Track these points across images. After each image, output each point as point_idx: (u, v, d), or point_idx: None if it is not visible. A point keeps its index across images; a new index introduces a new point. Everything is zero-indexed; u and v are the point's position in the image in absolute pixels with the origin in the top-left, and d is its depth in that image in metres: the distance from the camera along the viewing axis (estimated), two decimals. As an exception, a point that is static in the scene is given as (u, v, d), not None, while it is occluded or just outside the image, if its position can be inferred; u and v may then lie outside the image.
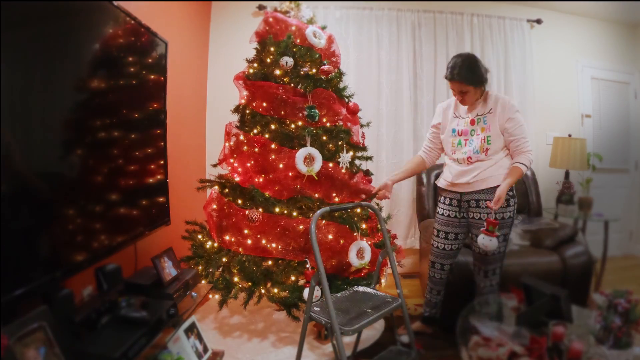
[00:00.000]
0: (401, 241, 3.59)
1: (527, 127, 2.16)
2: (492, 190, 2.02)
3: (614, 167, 4.02)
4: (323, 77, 2.44)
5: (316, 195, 2.31)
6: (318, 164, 2.23)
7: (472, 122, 2.11)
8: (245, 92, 2.29)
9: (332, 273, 2.30)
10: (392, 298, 1.82)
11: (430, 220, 3.03)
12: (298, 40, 2.44)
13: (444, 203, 2.24)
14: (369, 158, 2.65)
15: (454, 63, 2.03)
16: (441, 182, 2.27)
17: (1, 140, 1.14)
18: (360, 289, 1.94)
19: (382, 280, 2.50)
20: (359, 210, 2.45)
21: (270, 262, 2.27)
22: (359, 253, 2.22)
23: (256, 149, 2.33)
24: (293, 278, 2.22)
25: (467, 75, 1.99)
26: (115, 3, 1.69)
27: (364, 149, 2.61)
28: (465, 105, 2.13)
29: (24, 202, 1.28)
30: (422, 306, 2.86)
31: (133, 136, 1.91)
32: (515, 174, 1.99)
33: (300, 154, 2.20)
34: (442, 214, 2.24)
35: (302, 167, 2.20)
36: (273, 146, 2.31)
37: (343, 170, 2.38)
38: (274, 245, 2.25)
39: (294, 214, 2.26)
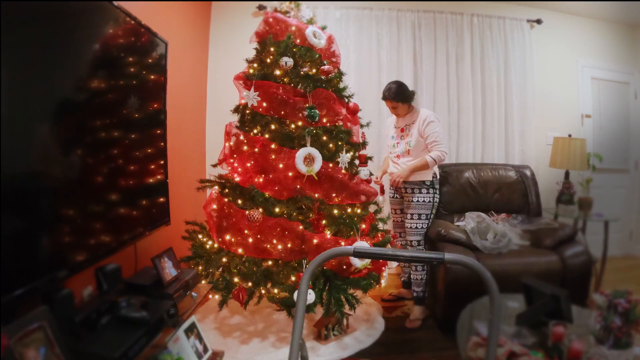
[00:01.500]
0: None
1: (444, 134, 2.82)
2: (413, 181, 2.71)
3: (614, 167, 4.02)
4: (323, 77, 2.44)
5: (316, 195, 2.31)
6: (318, 164, 2.23)
7: (402, 130, 2.79)
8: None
9: (332, 273, 2.30)
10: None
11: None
12: (298, 41, 2.44)
13: (390, 188, 2.94)
14: (369, 158, 2.66)
15: (388, 87, 2.70)
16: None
17: (1, 140, 1.14)
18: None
19: (382, 281, 2.50)
20: (358, 210, 2.45)
21: (270, 263, 2.27)
22: None
23: (256, 149, 2.33)
24: (293, 278, 2.21)
25: (396, 96, 2.66)
26: (115, 3, 1.69)
27: (364, 144, 2.61)
28: (398, 116, 2.82)
29: (24, 202, 1.28)
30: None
31: (133, 136, 1.91)
32: (420, 162, 2.62)
33: (301, 154, 2.20)
34: (390, 196, 2.98)
35: (302, 167, 2.20)
36: (273, 146, 2.31)
37: (343, 171, 2.38)
38: (274, 244, 2.24)
39: (294, 214, 2.26)
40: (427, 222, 2.74)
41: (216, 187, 2.43)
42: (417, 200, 2.71)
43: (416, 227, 2.72)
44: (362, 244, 2.26)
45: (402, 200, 2.85)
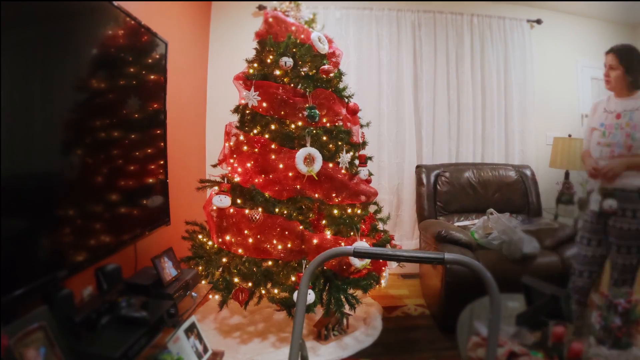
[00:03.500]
0: (405, 241, 3.59)
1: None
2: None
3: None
4: (323, 77, 2.44)
5: (316, 195, 2.31)
6: (318, 164, 2.23)
7: (617, 117, 1.99)
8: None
9: (332, 273, 2.30)
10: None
11: (429, 221, 3.03)
12: (298, 40, 2.43)
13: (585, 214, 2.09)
14: (369, 158, 2.66)
15: (623, 45, 2.00)
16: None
17: (1, 140, 1.14)
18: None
19: (382, 281, 2.50)
20: (359, 211, 2.45)
21: (270, 263, 2.27)
22: None
23: (256, 149, 2.33)
24: (293, 279, 2.21)
25: (625, 56, 1.95)
26: (115, 3, 1.69)
27: (364, 144, 2.61)
28: (611, 89, 2.05)
29: (24, 202, 1.28)
30: (422, 306, 2.87)
31: (133, 136, 1.92)
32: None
33: (301, 154, 2.20)
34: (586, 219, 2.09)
35: (302, 167, 2.20)
36: (273, 146, 2.31)
37: (343, 171, 2.38)
38: (274, 244, 2.24)
39: (294, 214, 2.26)
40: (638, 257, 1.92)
41: (216, 187, 2.43)
42: (630, 227, 1.88)
43: (630, 265, 1.92)
44: (362, 244, 2.26)
45: (604, 227, 2.01)
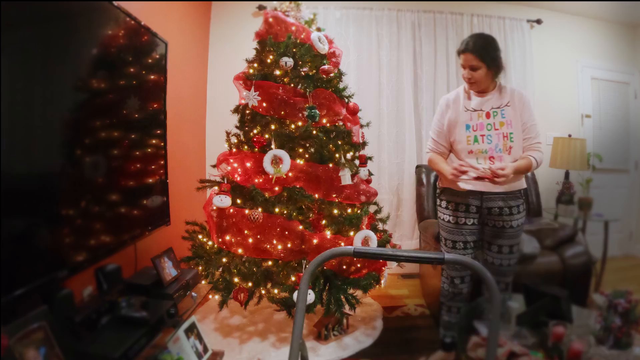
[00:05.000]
0: (405, 241, 3.59)
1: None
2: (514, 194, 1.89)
3: (614, 167, 4.01)
4: (323, 77, 2.44)
5: (316, 195, 2.31)
6: (286, 164, 2.21)
7: (487, 116, 1.89)
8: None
9: (332, 273, 2.30)
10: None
11: (429, 221, 3.03)
12: (298, 40, 2.43)
13: (456, 210, 1.96)
14: (369, 158, 2.66)
15: (470, 37, 1.89)
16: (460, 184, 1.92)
17: (1, 140, 1.14)
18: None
19: (382, 281, 2.50)
20: (359, 211, 2.45)
21: (270, 263, 2.27)
22: (364, 242, 2.23)
23: (256, 149, 2.33)
24: (293, 278, 2.21)
25: (481, 50, 1.82)
26: (115, 3, 1.69)
27: (364, 144, 2.60)
28: (474, 89, 1.92)
29: (24, 202, 1.28)
30: (422, 306, 2.86)
31: (133, 136, 1.92)
32: (525, 162, 1.81)
33: (267, 157, 2.20)
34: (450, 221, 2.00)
35: (269, 169, 2.19)
36: (273, 146, 2.31)
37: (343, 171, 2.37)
38: (274, 244, 2.24)
39: (294, 214, 2.26)
40: (515, 257, 1.99)
41: (216, 187, 2.43)
42: (512, 225, 1.91)
43: (509, 265, 1.98)
44: (368, 233, 2.26)
45: (481, 228, 2.00)
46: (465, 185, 1.89)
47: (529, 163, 1.83)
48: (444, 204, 2.02)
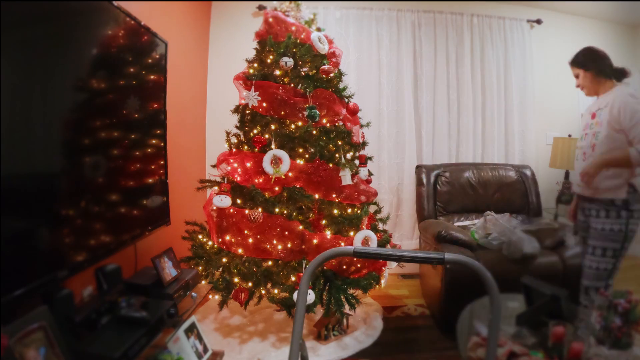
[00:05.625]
0: (405, 241, 3.59)
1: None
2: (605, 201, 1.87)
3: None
4: (323, 77, 2.44)
5: (316, 195, 2.31)
6: (286, 164, 2.21)
7: (593, 116, 2.01)
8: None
9: (332, 273, 2.30)
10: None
11: (429, 221, 3.03)
12: (298, 40, 2.43)
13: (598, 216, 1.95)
14: (369, 158, 2.66)
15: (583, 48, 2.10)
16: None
17: (1, 140, 1.14)
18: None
19: (382, 281, 2.50)
20: (358, 211, 2.45)
21: (270, 263, 2.27)
22: (364, 242, 2.23)
23: (256, 149, 2.33)
24: (293, 279, 2.22)
25: (582, 60, 2.06)
26: (115, 3, 1.69)
27: (364, 144, 2.60)
28: (587, 93, 2.10)
29: (24, 202, 1.28)
30: (422, 306, 2.87)
31: (133, 136, 1.92)
32: (619, 153, 1.80)
33: (267, 157, 2.20)
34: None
35: (269, 169, 2.19)
36: (273, 146, 2.31)
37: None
38: (274, 244, 2.24)
39: (294, 214, 2.26)
40: (612, 262, 1.94)
41: (216, 187, 2.43)
42: (603, 228, 1.93)
43: (596, 268, 1.96)
44: (369, 233, 2.26)
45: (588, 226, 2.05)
46: None
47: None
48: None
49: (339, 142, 2.42)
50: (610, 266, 1.91)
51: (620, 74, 1.99)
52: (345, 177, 2.33)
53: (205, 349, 1.89)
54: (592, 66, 2.01)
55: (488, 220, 2.75)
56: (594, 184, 1.89)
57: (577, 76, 2.08)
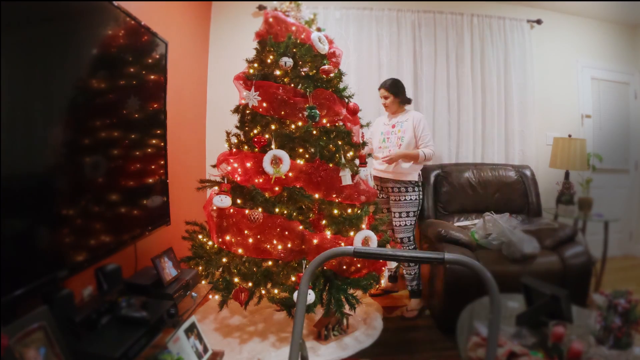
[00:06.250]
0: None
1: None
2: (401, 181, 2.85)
3: (614, 167, 4.02)
4: (323, 77, 2.44)
5: (316, 195, 2.31)
6: (286, 164, 2.21)
7: (393, 127, 2.90)
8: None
9: (332, 273, 2.30)
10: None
11: (429, 221, 3.03)
12: (298, 40, 2.43)
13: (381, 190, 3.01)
14: (369, 155, 2.65)
15: (386, 80, 2.94)
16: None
17: (1, 140, 1.14)
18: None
19: (382, 281, 2.50)
20: (358, 211, 2.45)
21: (270, 263, 2.27)
22: (364, 242, 2.23)
23: (256, 149, 2.33)
24: (293, 279, 2.21)
25: (390, 87, 2.88)
26: (115, 3, 1.69)
27: (364, 144, 2.60)
28: (388, 111, 2.97)
29: (24, 202, 1.28)
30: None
31: (133, 136, 1.92)
32: (412, 152, 2.76)
33: (267, 157, 2.20)
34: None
35: (269, 169, 2.19)
36: (273, 146, 2.31)
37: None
38: (274, 244, 2.24)
39: (294, 214, 2.26)
40: (414, 220, 2.87)
41: (216, 187, 2.43)
42: (405, 199, 2.83)
43: (405, 225, 2.84)
44: (368, 233, 2.26)
45: (388, 200, 2.95)
46: None
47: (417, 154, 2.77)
48: None
49: (339, 142, 2.42)
50: (414, 222, 2.87)
51: (409, 101, 2.96)
52: (345, 177, 2.33)
53: (205, 349, 1.89)
54: (398, 94, 2.88)
55: (487, 220, 2.75)
56: (395, 169, 2.82)
57: (386, 97, 2.88)
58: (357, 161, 2.58)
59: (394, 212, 2.86)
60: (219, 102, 3.40)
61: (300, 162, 2.30)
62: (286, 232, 2.21)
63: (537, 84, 3.77)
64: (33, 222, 1.31)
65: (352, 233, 2.28)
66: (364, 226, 2.36)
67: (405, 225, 2.83)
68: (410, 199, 2.83)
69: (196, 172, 3.13)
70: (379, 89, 2.92)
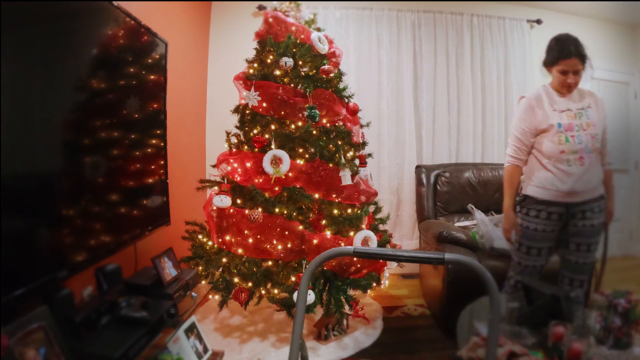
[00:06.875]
0: (405, 241, 3.59)
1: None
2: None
3: (614, 167, 3.99)
4: (323, 77, 2.44)
5: (316, 195, 2.31)
6: (286, 164, 2.21)
7: (574, 116, 1.88)
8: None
9: (332, 273, 2.30)
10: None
11: (429, 221, 3.03)
12: (298, 40, 2.43)
13: (538, 217, 1.97)
14: (369, 155, 2.65)
15: (571, 39, 1.87)
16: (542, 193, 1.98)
17: (1, 140, 1.14)
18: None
19: (383, 281, 2.50)
20: (358, 211, 2.45)
21: (270, 263, 2.27)
22: (364, 242, 2.23)
23: (256, 149, 2.33)
24: (293, 279, 2.22)
25: (584, 55, 1.83)
26: (115, 3, 1.69)
27: (364, 144, 2.60)
28: (568, 92, 1.89)
29: (24, 202, 1.28)
30: (422, 306, 2.86)
31: (133, 136, 1.91)
32: (611, 188, 2.00)
33: (267, 157, 2.20)
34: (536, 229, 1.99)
35: (269, 169, 2.19)
36: (273, 146, 2.31)
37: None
38: (274, 244, 2.24)
39: (294, 214, 2.26)
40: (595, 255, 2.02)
41: (216, 187, 2.43)
42: (595, 224, 1.93)
43: (589, 262, 2.00)
44: (368, 233, 2.26)
45: (554, 231, 2.00)
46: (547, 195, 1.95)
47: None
48: (525, 210, 2.07)
49: (339, 142, 2.42)
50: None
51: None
52: (345, 177, 2.33)
53: (205, 349, 1.89)
54: (585, 64, 1.87)
55: (477, 217, 2.77)
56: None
57: (576, 72, 1.84)
58: (357, 161, 2.59)
59: (571, 243, 1.99)
60: (219, 102, 3.40)
61: (300, 162, 2.30)
62: (286, 232, 2.21)
63: (537, 84, 3.75)
64: (33, 222, 1.31)
65: (352, 233, 2.28)
66: (363, 226, 2.36)
67: (588, 263, 1.97)
68: (599, 223, 1.94)
69: (196, 172, 3.13)
70: (564, 59, 1.85)
